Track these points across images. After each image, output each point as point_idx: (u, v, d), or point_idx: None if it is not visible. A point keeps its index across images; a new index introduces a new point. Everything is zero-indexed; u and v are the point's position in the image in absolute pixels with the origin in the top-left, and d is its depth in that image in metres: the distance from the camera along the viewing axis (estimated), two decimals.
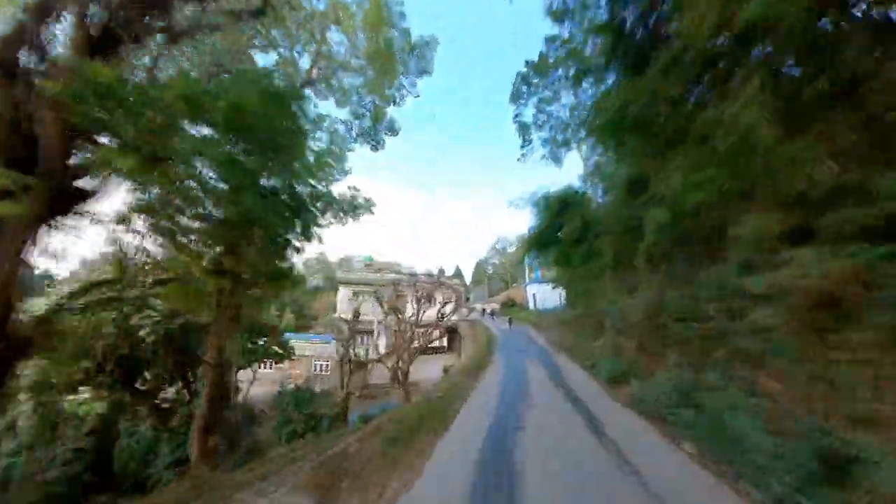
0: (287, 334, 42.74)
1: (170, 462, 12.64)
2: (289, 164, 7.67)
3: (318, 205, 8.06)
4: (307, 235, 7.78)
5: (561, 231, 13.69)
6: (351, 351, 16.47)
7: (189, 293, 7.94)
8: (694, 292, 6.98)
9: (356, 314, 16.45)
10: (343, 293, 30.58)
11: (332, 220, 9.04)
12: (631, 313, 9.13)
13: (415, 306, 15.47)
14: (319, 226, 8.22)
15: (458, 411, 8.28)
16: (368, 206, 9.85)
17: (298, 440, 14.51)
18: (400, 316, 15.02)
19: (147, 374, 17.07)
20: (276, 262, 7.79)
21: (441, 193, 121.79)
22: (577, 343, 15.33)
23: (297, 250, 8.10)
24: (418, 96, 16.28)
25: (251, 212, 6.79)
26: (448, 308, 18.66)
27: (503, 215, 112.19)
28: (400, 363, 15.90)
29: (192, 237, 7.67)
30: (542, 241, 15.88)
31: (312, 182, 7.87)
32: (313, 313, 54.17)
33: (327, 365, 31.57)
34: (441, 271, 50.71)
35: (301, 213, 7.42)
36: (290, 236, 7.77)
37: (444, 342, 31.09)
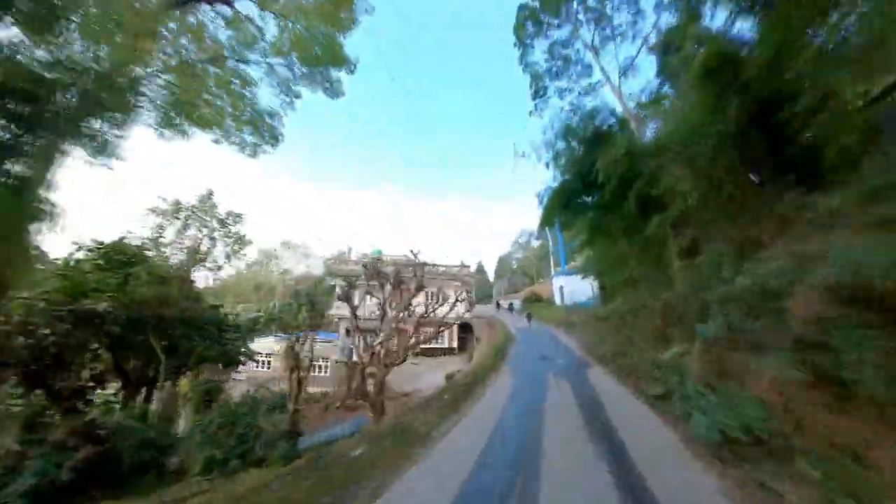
0: (300, 333, 39.49)
1: (29, 487, 8.70)
2: None
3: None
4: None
5: (596, 165, 8.10)
6: (306, 350, 11.85)
7: None
8: None
9: (312, 304, 11.99)
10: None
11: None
12: (778, 296, 3.56)
13: (382, 297, 10.57)
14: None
15: None
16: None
17: (224, 468, 10.17)
18: (362, 311, 10.27)
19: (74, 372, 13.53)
20: None
21: (440, 193, 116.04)
22: (623, 351, 9.62)
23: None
24: (373, 10, 11.52)
25: None
26: (448, 298, 13.55)
27: (503, 214, 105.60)
28: (367, 370, 11.07)
29: None
30: (567, 200, 10.29)
31: None
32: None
33: (325, 365, 27.61)
34: (462, 264, 45.34)
35: None
36: None
37: (455, 343, 25.89)
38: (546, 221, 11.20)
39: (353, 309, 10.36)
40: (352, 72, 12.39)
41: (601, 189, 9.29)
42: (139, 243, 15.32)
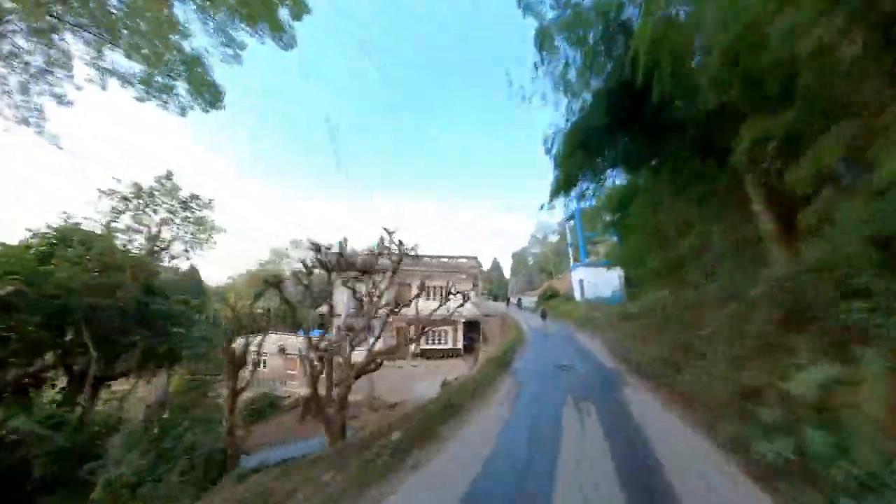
0: (316, 332, 37.85)
1: None
2: None
3: None
4: None
5: (632, 49, 4.75)
6: (248, 348, 9.22)
7: None
8: None
9: (258, 296, 9.49)
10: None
11: None
12: None
13: (331, 288, 7.72)
14: None
15: None
16: None
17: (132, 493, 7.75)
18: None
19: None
20: None
21: (440, 194, 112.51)
22: (675, 362, 6.24)
23: None
24: None
25: None
26: (423, 290, 10.64)
27: (504, 214, 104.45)
28: (315, 382, 8.32)
29: None
30: (586, 140, 6.89)
31: None
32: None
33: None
34: (470, 256, 41.78)
35: None
36: None
37: (459, 343, 22.78)
38: (563, 173, 7.61)
39: (284, 300, 7.57)
40: (304, 13, 9.56)
41: (639, 114, 6.01)
42: (94, 229, 13.30)
